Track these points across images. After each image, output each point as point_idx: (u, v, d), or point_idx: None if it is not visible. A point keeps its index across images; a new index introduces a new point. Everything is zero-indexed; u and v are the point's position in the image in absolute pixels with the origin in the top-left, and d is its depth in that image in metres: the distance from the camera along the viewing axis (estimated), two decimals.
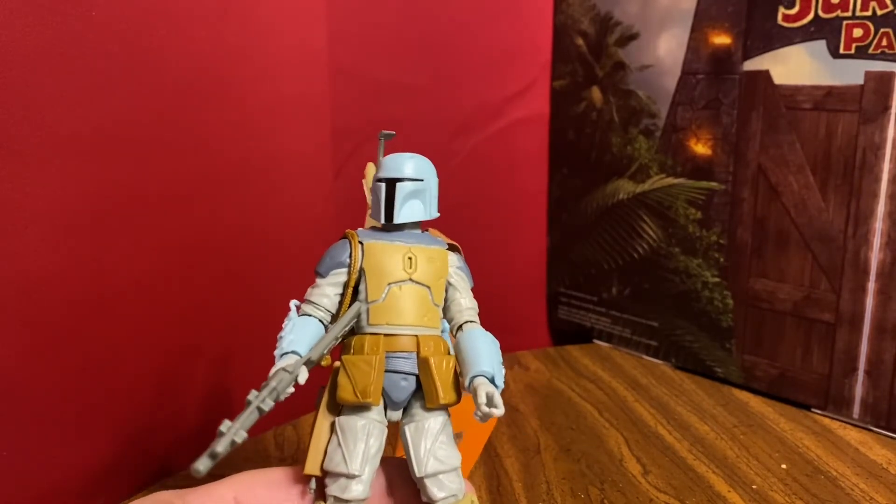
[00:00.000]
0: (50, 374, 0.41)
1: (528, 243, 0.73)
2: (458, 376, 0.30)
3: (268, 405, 0.26)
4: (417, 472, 0.29)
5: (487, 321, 0.33)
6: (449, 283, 0.32)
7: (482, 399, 0.28)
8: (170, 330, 0.47)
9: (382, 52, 0.60)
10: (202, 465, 0.24)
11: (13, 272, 0.38)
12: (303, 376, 0.28)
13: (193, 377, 0.50)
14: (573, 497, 0.46)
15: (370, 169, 0.35)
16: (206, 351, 0.50)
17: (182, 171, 0.47)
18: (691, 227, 0.63)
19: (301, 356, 0.28)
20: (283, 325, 0.30)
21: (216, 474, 0.27)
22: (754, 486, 0.46)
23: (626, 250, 0.68)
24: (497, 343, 0.31)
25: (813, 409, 0.57)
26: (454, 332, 0.32)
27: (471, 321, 0.32)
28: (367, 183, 0.34)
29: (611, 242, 0.69)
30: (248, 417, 0.25)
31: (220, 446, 0.24)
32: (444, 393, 0.29)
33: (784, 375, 0.58)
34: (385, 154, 0.33)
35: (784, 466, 0.49)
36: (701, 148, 0.61)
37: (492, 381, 0.29)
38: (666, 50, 0.62)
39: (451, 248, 0.33)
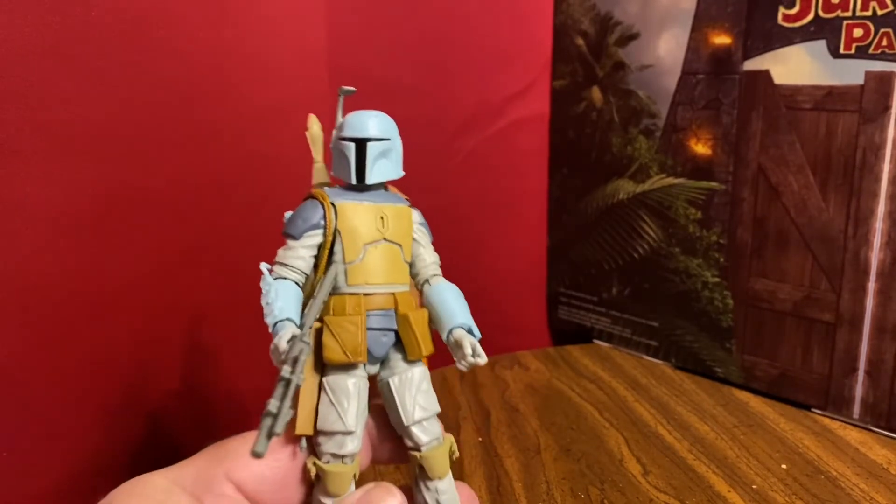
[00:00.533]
0: (49, 374, 0.41)
1: (528, 243, 0.73)
2: (430, 327, 0.32)
3: (301, 379, 0.27)
4: (405, 421, 0.30)
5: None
6: (413, 240, 0.33)
7: (468, 350, 0.30)
8: (170, 329, 0.47)
9: (382, 52, 0.60)
10: (262, 447, 0.25)
11: (12, 272, 0.38)
12: (307, 338, 0.28)
13: (194, 376, 0.50)
14: (573, 497, 0.46)
15: (314, 121, 0.34)
16: (207, 350, 0.50)
17: (182, 171, 0.47)
18: (691, 227, 0.63)
19: (294, 322, 0.29)
20: (263, 290, 0.30)
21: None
22: (754, 486, 0.46)
23: (626, 250, 0.68)
24: (461, 293, 0.32)
25: (813, 409, 0.57)
26: (420, 287, 0.33)
27: (435, 274, 0.33)
28: (313, 137, 0.34)
29: (611, 242, 0.69)
30: (290, 393, 0.26)
31: (279, 427, 0.25)
32: (425, 345, 0.31)
33: (784, 375, 0.58)
34: (344, 110, 0.33)
35: (784, 466, 0.49)
36: (701, 148, 0.61)
37: (468, 331, 0.31)
38: (666, 50, 0.62)
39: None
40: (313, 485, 0.30)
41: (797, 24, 0.54)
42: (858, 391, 0.54)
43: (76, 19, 0.39)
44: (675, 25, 0.61)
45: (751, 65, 0.57)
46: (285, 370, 0.27)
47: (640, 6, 0.63)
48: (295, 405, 0.29)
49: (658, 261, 0.65)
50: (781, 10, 0.54)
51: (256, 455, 0.24)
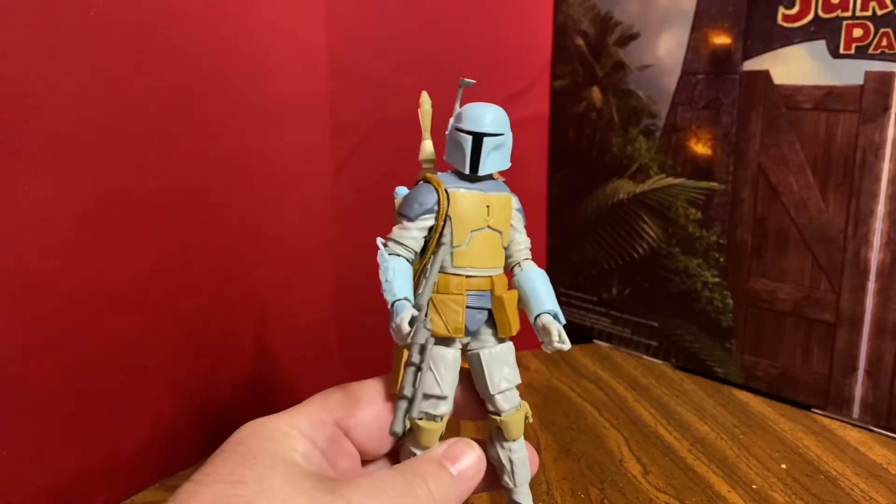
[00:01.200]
0: (50, 374, 0.41)
1: None
2: (518, 308, 0.34)
3: (429, 365, 0.30)
4: (491, 391, 0.34)
5: None
6: (511, 225, 0.35)
7: (555, 336, 0.32)
8: (170, 329, 0.47)
9: (382, 52, 0.60)
10: (399, 426, 0.29)
11: (13, 272, 0.38)
12: (429, 324, 0.32)
13: (194, 376, 0.50)
14: (573, 497, 0.46)
15: (426, 100, 0.36)
16: (207, 350, 0.50)
17: (182, 171, 0.47)
18: (691, 227, 0.63)
19: (410, 301, 0.31)
20: (381, 265, 0.32)
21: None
22: (754, 486, 0.46)
23: (626, 250, 0.68)
24: (548, 278, 0.35)
25: (813, 409, 0.57)
26: (511, 268, 0.35)
27: (527, 258, 0.36)
28: (423, 115, 0.36)
29: (611, 242, 0.69)
30: (419, 380, 0.29)
31: (415, 411, 0.29)
32: (514, 325, 0.34)
33: (784, 375, 0.58)
34: (462, 101, 0.35)
35: (784, 466, 0.49)
36: (701, 148, 0.61)
37: (555, 317, 0.33)
38: (666, 50, 0.62)
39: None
40: (405, 434, 0.33)
41: (797, 24, 0.54)
42: (858, 391, 0.54)
43: (76, 20, 0.39)
44: (674, 25, 0.61)
45: (751, 65, 0.57)
46: (415, 357, 0.30)
47: (640, 6, 0.63)
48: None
49: (658, 261, 0.65)
50: (781, 11, 0.54)
51: (395, 434, 0.29)
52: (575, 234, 0.72)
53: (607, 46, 0.66)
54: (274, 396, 0.55)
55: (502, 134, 0.34)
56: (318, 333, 0.61)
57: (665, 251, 0.65)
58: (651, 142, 0.64)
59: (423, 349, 0.30)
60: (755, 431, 0.54)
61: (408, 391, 0.29)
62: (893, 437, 0.52)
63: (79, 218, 0.41)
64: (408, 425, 0.32)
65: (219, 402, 0.51)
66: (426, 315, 0.32)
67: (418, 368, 0.29)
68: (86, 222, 0.41)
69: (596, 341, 0.72)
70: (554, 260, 0.74)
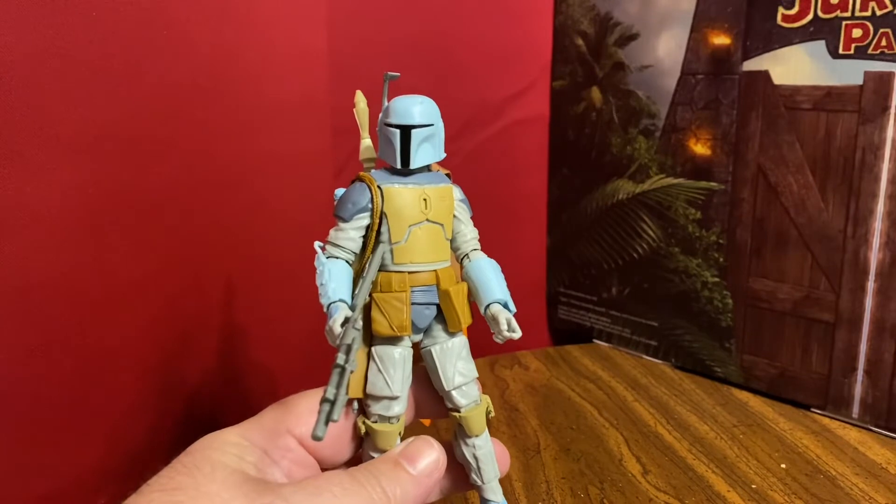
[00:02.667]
0: (50, 375, 0.41)
1: (528, 243, 0.73)
2: (469, 300, 0.34)
3: (354, 365, 0.29)
4: (446, 387, 0.33)
5: None
6: (454, 216, 0.34)
7: (503, 325, 0.32)
8: (170, 330, 0.47)
9: (382, 53, 0.60)
10: (321, 431, 0.27)
11: (14, 272, 0.38)
12: (359, 324, 0.30)
13: (194, 377, 0.50)
14: (573, 497, 0.46)
15: (360, 98, 0.36)
16: (207, 350, 0.50)
17: (183, 172, 0.47)
18: (691, 227, 0.63)
19: (346, 302, 0.31)
20: (318, 269, 0.32)
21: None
22: (754, 486, 0.47)
23: (626, 250, 0.68)
24: (499, 268, 0.34)
25: (812, 409, 0.57)
26: (460, 260, 0.35)
27: (475, 249, 0.35)
28: (360, 113, 0.36)
29: (611, 242, 0.69)
30: (345, 381, 0.28)
31: (336, 413, 0.27)
32: (464, 318, 0.33)
33: (784, 375, 0.58)
34: (389, 95, 0.35)
35: (783, 466, 0.49)
36: (700, 148, 0.61)
37: (505, 306, 0.33)
38: (665, 50, 0.62)
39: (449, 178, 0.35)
40: (363, 440, 0.33)
41: (796, 25, 0.54)
42: (858, 391, 0.54)
43: (77, 20, 0.39)
44: (674, 26, 0.61)
45: (750, 65, 0.57)
46: (340, 358, 0.28)
47: (640, 6, 0.63)
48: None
49: (658, 261, 0.65)
50: (781, 11, 0.55)
51: (316, 438, 0.26)
52: (575, 234, 0.72)
53: (607, 47, 0.66)
54: (276, 397, 0.55)
55: (431, 125, 0.33)
56: (320, 334, 0.61)
57: (665, 251, 0.65)
58: (651, 142, 0.64)
59: (348, 349, 0.29)
60: (755, 431, 0.54)
61: (329, 393, 0.27)
62: (893, 437, 0.53)
63: (79, 218, 0.41)
64: (363, 430, 0.32)
65: (220, 402, 0.51)
66: (369, 315, 0.32)
67: (343, 369, 0.28)
68: (86, 222, 0.41)
69: (596, 341, 0.72)
70: (554, 260, 0.74)
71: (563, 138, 0.71)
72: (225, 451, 0.29)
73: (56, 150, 0.39)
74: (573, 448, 0.51)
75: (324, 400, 0.27)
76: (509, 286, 0.34)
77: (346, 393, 0.28)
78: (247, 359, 0.54)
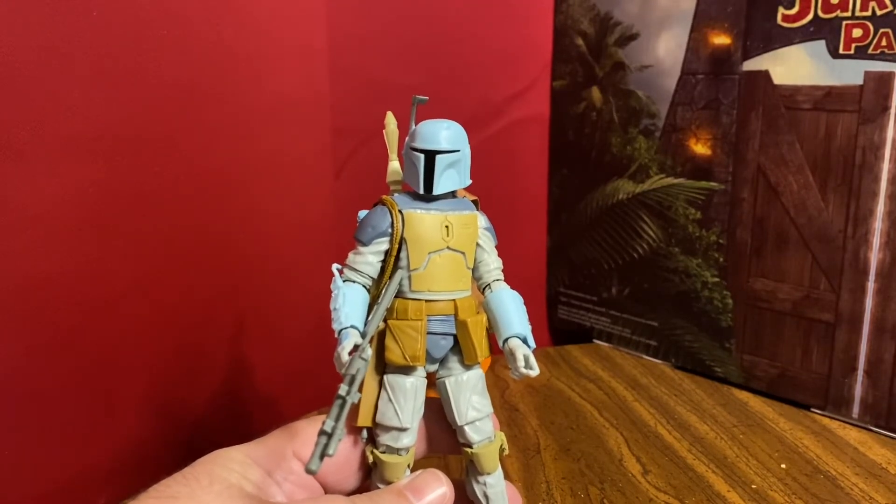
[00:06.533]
0: (51, 375, 0.41)
1: (528, 243, 0.73)
2: (488, 332, 0.33)
3: (357, 397, 0.28)
4: (458, 421, 0.32)
5: None
6: (478, 245, 0.33)
7: (521, 362, 0.31)
8: (171, 330, 0.47)
9: (382, 52, 0.60)
10: (315, 465, 0.26)
11: (14, 272, 0.38)
12: (367, 353, 0.29)
13: (194, 377, 0.50)
14: (573, 497, 0.46)
15: (391, 120, 0.35)
16: (207, 350, 0.50)
17: (183, 172, 0.47)
18: (691, 227, 0.63)
19: (358, 329, 0.30)
20: (333, 293, 0.31)
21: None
22: (754, 486, 0.47)
23: (626, 250, 0.68)
24: (522, 300, 0.33)
25: (812, 409, 0.57)
26: (482, 290, 0.34)
27: (497, 280, 0.34)
28: (389, 135, 0.35)
29: (611, 242, 0.69)
30: (345, 413, 0.27)
31: (332, 448, 0.26)
32: (481, 351, 0.32)
33: (784, 375, 0.58)
34: (417, 118, 0.34)
35: (783, 466, 0.49)
36: (700, 148, 0.61)
37: (524, 341, 0.32)
38: (666, 50, 0.62)
39: (475, 205, 0.34)
40: (371, 470, 0.32)
41: (796, 25, 0.54)
42: (858, 391, 0.54)
43: (76, 19, 0.39)
44: (674, 26, 0.61)
45: (750, 65, 0.57)
46: (342, 389, 0.27)
47: (640, 6, 0.63)
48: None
49: (658, 261, 0.65)
50: (781, 11, 0.55)
51: (309, 472, 0.26)
52: (575, 233, 0.72)
53: (607, 47, 0.66)
54: (276, 396, 0.55)
55: (457, 150, 0.32)
56: (320, 333, 0.61)
57: (665, 251, 0.65)
58: (651, 142, 0.64)
59: (352, 380, 0.28)
60: (755, 431, 0.54)
61: (328, 426, 0.26)
62: (893, 437, 0.53)
63: (79, 218, 0.41)
64: (373, 461, 0.31)
65: (220, 402, 0.51)
66: (383, 342, 0.31)
67: (343, 401, 0.27)
68: (86, 222, 0.41)
69: (596, 341, 0.72)
70: (554, 260, 0.74)
71: (564, 138, 0.71)
72: (227, 466, 0.29)
73: (56, 150, 0.39)
74: (573, 448, 0.51)
75: (321, 432, 0.26)
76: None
77: (344, 427, 0.27)
78: (247, 357, 0.54)
